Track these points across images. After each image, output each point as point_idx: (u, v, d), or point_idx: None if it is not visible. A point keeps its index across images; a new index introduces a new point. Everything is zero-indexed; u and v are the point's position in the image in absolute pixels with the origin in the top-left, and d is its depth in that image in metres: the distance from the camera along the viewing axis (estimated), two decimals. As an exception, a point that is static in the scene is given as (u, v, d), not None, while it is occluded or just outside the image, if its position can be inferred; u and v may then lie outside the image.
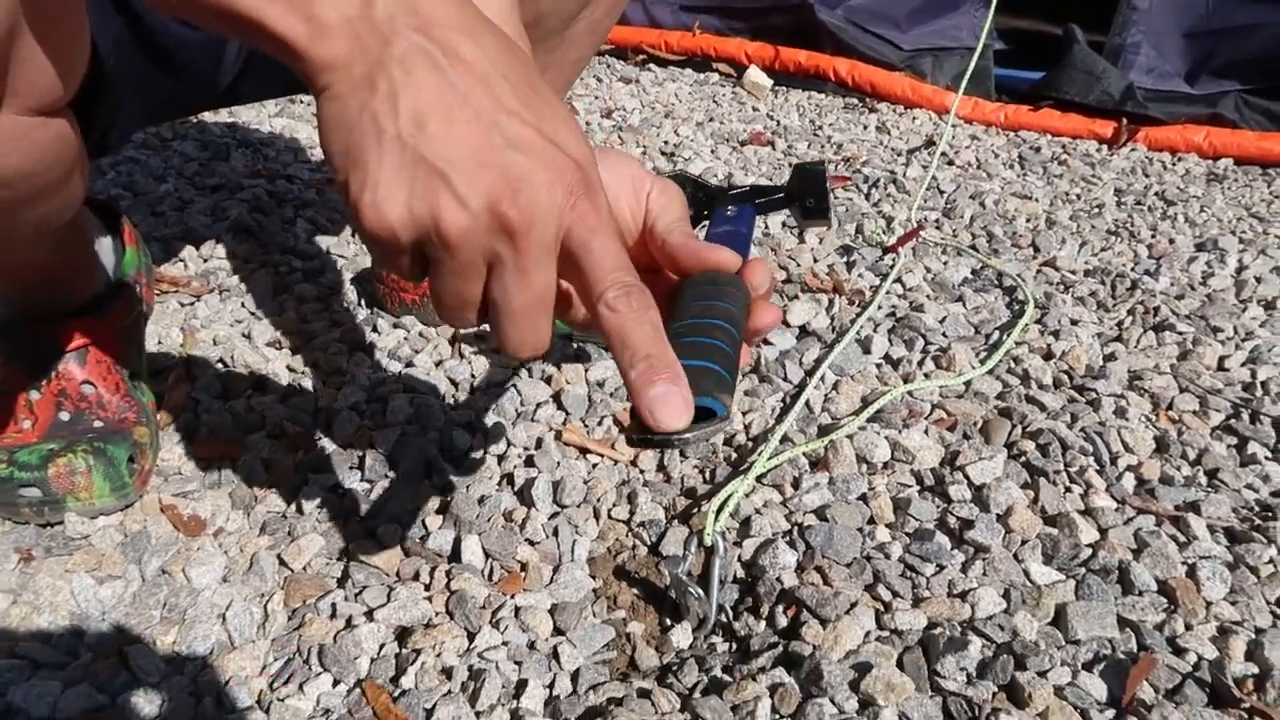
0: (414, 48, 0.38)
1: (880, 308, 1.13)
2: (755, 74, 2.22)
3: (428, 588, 0.68)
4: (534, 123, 0.39)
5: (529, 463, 0.82)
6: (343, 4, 0.37)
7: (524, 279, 0.40)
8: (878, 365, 1.01)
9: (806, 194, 0.73)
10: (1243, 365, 1.03)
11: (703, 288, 0.47)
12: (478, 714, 0.58)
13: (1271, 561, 0.72)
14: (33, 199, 0.56)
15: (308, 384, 0.91)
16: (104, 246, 0.80)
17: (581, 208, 0.39)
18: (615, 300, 0.40)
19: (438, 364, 0.97)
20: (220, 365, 0.94)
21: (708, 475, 0.82)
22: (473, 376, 0.95)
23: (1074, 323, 1.11)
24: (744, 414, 0.91)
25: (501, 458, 0.83)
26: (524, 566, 0.71)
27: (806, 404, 0.92)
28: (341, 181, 0.39)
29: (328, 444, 0.83)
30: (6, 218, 0.56)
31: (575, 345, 0.94)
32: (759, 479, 0.81)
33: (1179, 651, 0.64)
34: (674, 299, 0.47)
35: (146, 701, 0.57)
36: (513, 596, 0.68)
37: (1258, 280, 1.24)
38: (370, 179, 0.38)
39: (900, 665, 0.62)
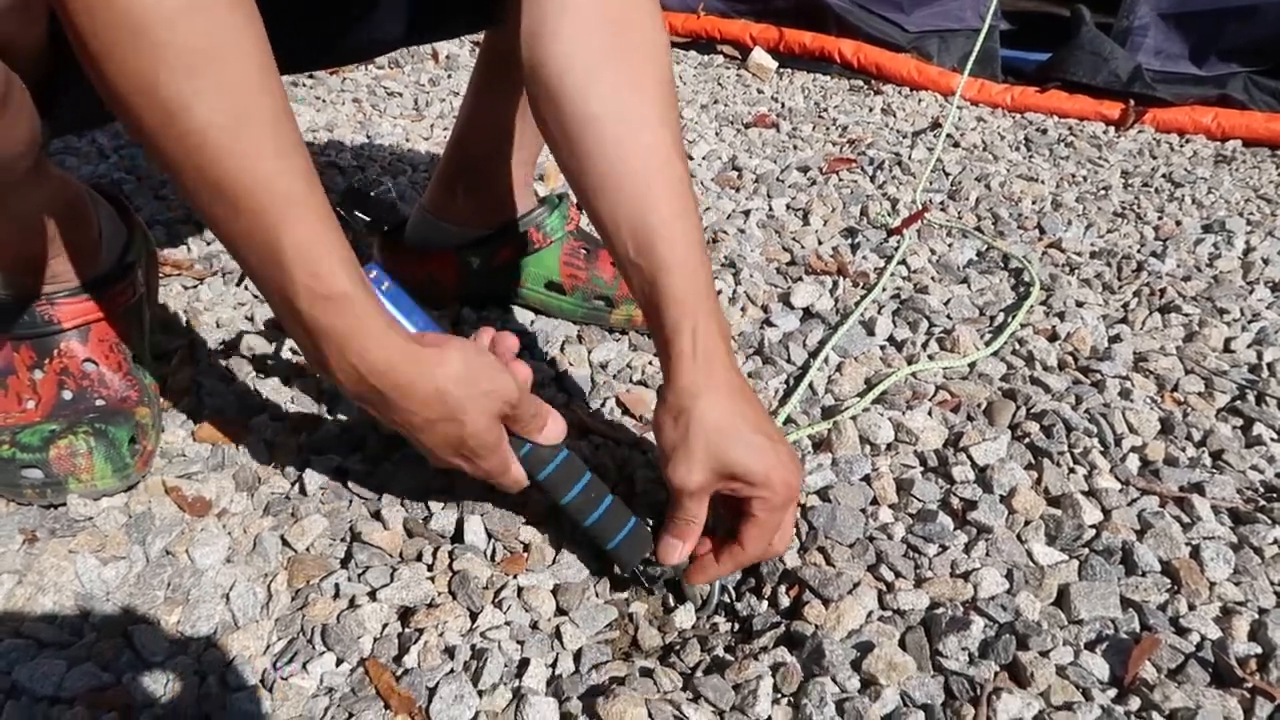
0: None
1: (884, 289, 1.13)
2: (760, 56, 2.21)
3: (430, 568, 0.68)
4: None
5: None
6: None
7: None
8: (881, 347, 1.01)
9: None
10: (1249, 347, 1.02)
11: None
12: (480, 693, 0.58)
13: (1276, 542, 0.72)
14: None
15: (310, 366, 0.91)
16: (110, 229, 0.80)
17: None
18: None
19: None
20: (223, 347, 0.94)
21: (710, 457, 0.82)
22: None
23: (1079, 304, 1.11)
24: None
25: (504, 439, 0.83)
26: (526, 547, 0.71)
27: (810, 386, 0.92)
28: None
29: (331, 425, 0.83)
30: None
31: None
32: (762, 460, 0.81)
33: (1182, 631, 0.64)
34: None
35: (151, 681, 0.58)
36: (515, 577, 0.68)
37: (1265, 262, 1.23)
38: None
39: (902, 645, 0.62)
